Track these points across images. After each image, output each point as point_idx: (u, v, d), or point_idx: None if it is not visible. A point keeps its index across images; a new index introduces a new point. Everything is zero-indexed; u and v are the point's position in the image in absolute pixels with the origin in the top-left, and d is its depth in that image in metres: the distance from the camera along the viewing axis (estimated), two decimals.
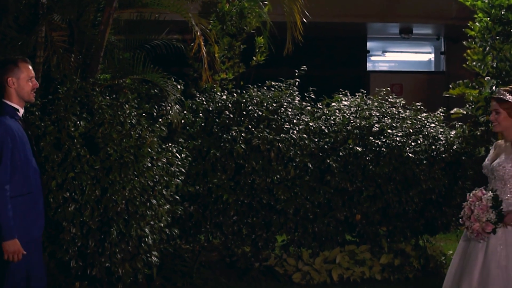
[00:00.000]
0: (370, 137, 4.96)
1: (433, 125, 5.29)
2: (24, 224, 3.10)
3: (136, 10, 4.75)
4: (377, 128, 5.02)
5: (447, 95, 5.45)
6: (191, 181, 4.64)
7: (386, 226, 5.03)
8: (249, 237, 4.83)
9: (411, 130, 5.10)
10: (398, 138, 4.96)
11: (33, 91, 3.19)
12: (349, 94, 5.47)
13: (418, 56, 10.15)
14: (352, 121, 5.04)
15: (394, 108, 5.37)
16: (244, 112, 4.88)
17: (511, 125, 3.23)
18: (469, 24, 5.33)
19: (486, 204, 3.13)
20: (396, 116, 5.26)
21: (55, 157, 3.76)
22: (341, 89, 5.53)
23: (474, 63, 5.26)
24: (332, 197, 4.85)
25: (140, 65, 4.34)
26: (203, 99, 4.96)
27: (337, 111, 5.20)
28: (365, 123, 5.02)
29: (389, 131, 5.03)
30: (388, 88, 5.66)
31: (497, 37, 5.23)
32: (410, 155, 4.90)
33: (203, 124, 4.80)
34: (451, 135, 5.24)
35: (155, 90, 4.51)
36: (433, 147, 5.07)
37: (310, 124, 4.96)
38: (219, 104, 4.92)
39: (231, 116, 4.82)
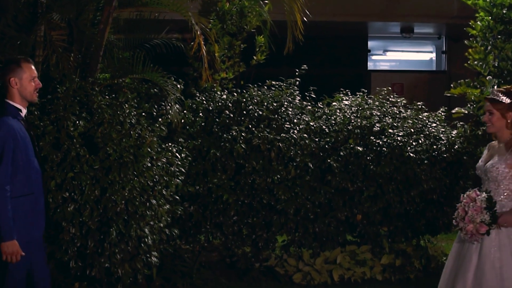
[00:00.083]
0: (371, 137, 4.94)
1: (434, 124, 5.28)
2: (25, 224, 3.09)
3: (135, 9, 4.74)
4: (378, 128, 5.00)
5: (448, 95, 5.43)
6: (191, 181, 4.63)
7: (387, 226, 5.02)
8: (249, 237, 4.82)
9: (412, 130, 5.09)
10: (399, 138, 4.94)
11: (36, 91, 3.19)
12: (350, 94, 5.45)
13: (419, 55, 10.13)
14: (353, 121, 5.03)
15: (395, 108, 5.36)
16: (245, 112, 4.87)
17: (504, 126, 3.22)
18: (470, 23, 5.31)
19: (480, 205, 3.12)
20: (397, 116, 5.25)
21: (54, 157, 3.75)
22: (341, 89, 5.51)
23: (475, 62, 5.24)
24: (333, 197, 4.84)
25: (139, 64, 4.32)
26: (203, 98, 4.95)
27: (338, 111, 5.18)
28: (366, 123, 5.01)
29: (390, 130, 5.01)
30: (389, 88, 5.65)
31: (499, 36, 5.20)
32: (411, 155, 4.89)
33: (203, 124, 4.78)
34: (453, 135, 5.23)
35: (155, 90, 4.49)
36: (434, 146, 5.05)
37: (311, 123, 4.94)
38: (219, 104, 4.90)
39: (231, 115, 4.81)
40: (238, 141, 4.66)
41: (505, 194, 3.17)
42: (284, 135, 4.76)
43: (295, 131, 4.82)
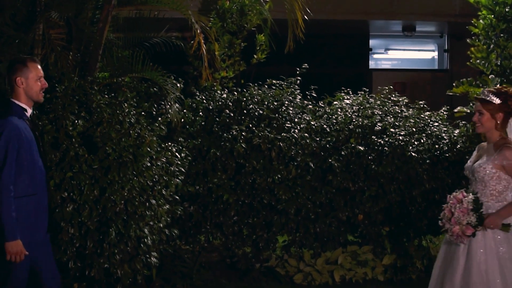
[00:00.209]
0: (373, 136, 4.92)
1: (436, 124, 5.25)
2: (28, 225, 3.08)
3: (135, 8, 4.73)
4: (380, 127, 4.98)
5: (450, 94, 5.40)
6: (191, 181, 4.62)
7: (389, 226, 5.00)
8: (249, 237, 4.80)
9: (414, 129, 5.07)
10: (401, 137, 4.92)
11: (41, 91, 3.18)
12: (351, 93, 5.43)
13: (421, 54, 10.09)
14: (354, 120, 5.01)
15: (396, 107, 5.34)
16: (245, 111, 4.85)
17: (493, 126, 3.20)
18: (473, 22, 5.28)
19: (466, 206, 3.10)
20: (399, 115, 5.23)
21: (53, 157, 3.73)
22: (343, 88, 5.50)
23: (478, 61, 5.21)
24: (334, 197, 4.82)
25: (139, 63, 4.31)
26: (203, 97, 4.94)
27: (339, 110, 5.16)
28: (367, 122, 4.98)
29: (391, 130, 4.99)
30: (391, 87, 5.62)
31: (501, 35, 5.18)
32: (413, 154, 4.86)
33: (203, 123, 4.77)
34: (455, 134, 5.19)
35: (155, 89, 4.48)
36: (437, 146, 5.03)
37: (312, 123, 4.92)
38: (219, 103, 4.88)
39: (232, 115, 4.79)
40: (238, 141, 4.64)
41: (492, 195, 3.15)
42: (284, 134, 4.74)
43: (296, 131, 4.80)
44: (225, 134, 4.69)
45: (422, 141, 4.99)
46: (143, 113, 4.17)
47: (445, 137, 5.12)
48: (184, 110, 4.68)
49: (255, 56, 5.50)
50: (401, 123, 5.10)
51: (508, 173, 3.15)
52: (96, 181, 3.77)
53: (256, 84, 5.14)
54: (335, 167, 4.75)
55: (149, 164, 3.95)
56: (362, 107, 5.21)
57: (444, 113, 5.46)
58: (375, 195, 4.85)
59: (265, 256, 4.90)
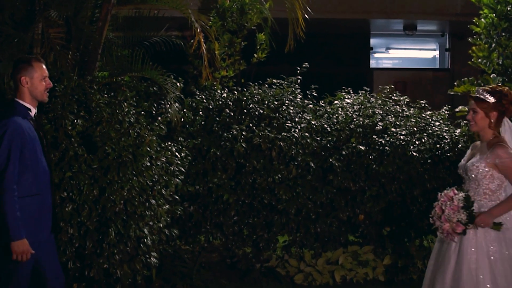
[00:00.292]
0: (374, 136, 4.90)
1: (437, 123, 5.23)
2: (31, 224, 3.07)
3: (134, 7, 4.72)
4: (381, 127, 4.96)
5: (452, 93, 5.37)
6: (191, 180, 4.61)
7: (390, 226, 4.98)
8: (250, 237, 4.79)
9: (415, 129, 5.05)
10: (402, 137, 4.91)
11: (46, 91, 3.18)
12: (352, 92, 5.42)
13: (422, 53, 10.07)
14: (355, 120, 4.99)
15: (398, 106, 5.33)
16: (245, 110, 4.84)
17: (487, 125, 3.20)
18: (474, 21, 5.26)
19: (457, 204, 3.10)
20: (400, 114, 5.21)
21: (52, 156, 3.70)
22: (343, 87, 5.49)
23: (479, 60, 5.19)
24: (334, 197, 4.80)
25: (138, 62, 4.30)
26: (203, 97, 4.92)
27: (340, 109, 5.15)
28: (368, 122, 4.97)
29: (392, 129, 4.97)
30: (392, 86, 5.60)
31: (503, 34, 5.15)
32: (414, 154, 4.85)
33: (203, 123, 4.76)
34: (456, 134, 5.17)
35: (154, 88, 4.46)
36: (438, 145, 5.01)
37: (312, 122, 4.91)
38: (220, 102, 4.87)
39: (232, 114, 4.77)
40: (238, 140, 4.62)
41: (485, 193, 3.14)
42: (285, 134, 4.72)
43: (297, 130, 4.78)
44: (225, 134, 4.68)
45: (423, 140, 4.97)
46: (142, 112, 4.16)
47: (446, 137, 5.10)
48: (184, 110, 4.67)
49: (255, 55, 5.49)
50: (402, 123, 5.08)
51: (501, 171, 3.15)
52: (95, 181, 3.75)
53: (256, 83, 5.14)
54: (335, 166, 4.73)
55: (148, 164, 3.93)
56: (363, 107, 5.19)
57: (446, 112, 5.44)
58: (376, 195, 4.83)
59: (266, 256, 4.89)
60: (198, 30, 4.43)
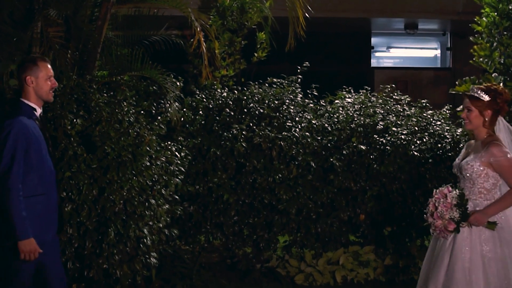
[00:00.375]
0: (374, 135, 4.88)
1: (439, 122, 5.22)
2: (36, 225, 3.06)
3: (134, 5, 4.71)
4: (382, 126, 4.95)
5: (453, 92, 5.35)
6: (191, 180, 4.60)
7: (391, 226, 4.97)
8: (250, 237, 4.78)
9: (416, 128, 5.03)
10: (403, 136, 4.89)
11: (51, 91, 3.17)
12: (352, 91, 5.41)
13: (423, 52, 10.05)
14: (356, 119, 4.97)
15: (399, 106, 5.32)
16: (245, 110, 4.82)
17: (482, 124, 3.20)
18: (476, 19, 5.23)
19: (450, 202, 3.10)
20: (401, 114, 5.20)
21: None
22: (344, 86, 5.48)
23: (481, 59, 5.17)
24: (335, 196, 4.79)
25: (138, 61, 4.29)
26: (203, 96, 4.91)
27: (341, 109, 5.13)
28: (369, 121, 4.95)
29: (393, 129, 4.96)
30: (393, 85, 5.59)
31: (505, 33, 5.13)
32: (415, 153, 4.83)
33: (203, 122, 4.75)
34: (457, 133, 5.15)
35: (154, 87, 4.45)
36: (439, 145, 4.99)
37: (313, 121, 4.89)
38: (220, 102, 4.86)
39: (232, 113, 4.76)
40: (238, 140, 4.61)
41: (480, 192, 3.14)
42: (285, 133, 4.70)
43: (297, 130, 4.77)
44: (225, 133, 4.66)
45: (424, 140, 4.96)
46: (142, 112, 4.15)
47: (447, 136, 5.08)
48: (184, 109, 4.66)
49: (255, 54, 5.48)
50: (403, 122, 5.07)
51: (496, 170, 3.14)
52: (95, 180, 3.74)
53: (256, 83, 5.13)
54: (336, 166, 4.71)
55: (148, 164, 3.92)
56: (363, 106, 5.18)
57: (447, 111, 5.43)
58: (377, 194, 4.82)
59: (266, 256, 4.88)
60: (198, 29, 4.42)
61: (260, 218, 4.74)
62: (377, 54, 9.99)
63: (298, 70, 5.22)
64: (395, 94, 5.45)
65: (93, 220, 3.72)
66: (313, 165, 4.71)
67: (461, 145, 5.06)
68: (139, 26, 4.88)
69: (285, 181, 4.67)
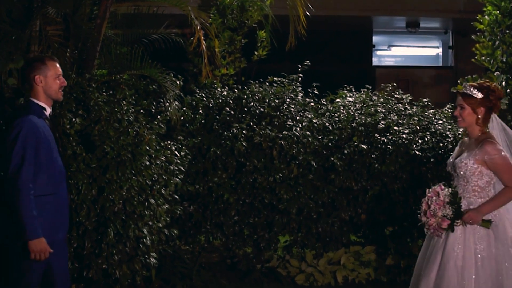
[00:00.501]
0: (376, 134, 4.86)
1: (440, 121, 5.20)
2: (46, 225, 3.04)
3: (133, 4, 4.70)
4: (383, 125, 4.93)
5: (455, 91, 5.31)
6: (191, 180, 4.59)
7: (392, 226, 4.95)
8: (250, 237, 4.76)
9: (418, 127, 5.02)
10: (404, 135, 4.88)
11: (61, 89, 3.17)
12: (354, 90, 5.40)
13: (425, 50, 10.03)
14: (357, 118, 4.96)
15: (400, 105, 5.30)
16: (246, 109, 4.81)
17: (475, 121, 3.18)
18: (478, 18, 5.20)
19: (443, 199, 3.08)
20: (403, 113, 5.19)
21: None
22: (345, 85, 5.46)
23: (483, 57, 5.14)
24: (336, 196, 4.77)
25: (137, 60, 4.28)
26: (203, 95, 4.90)
27: (342, 108, 5.12)
28: (370, 120, 4.94)
29: (395, 128, 4.94)
30: (394, 84, 5.56)
31: (507, 31, 5.10)
32: (417, 152, 4.81)
33: (203, 121, 4.73)
34: (459, 132, 5.12)
35: (154, 86, 4.44)
36: (441, 144, 4.97)
37: (314, 121, 4.88)
38: (220, 101, 4.84)
39: (232, 112, 4.74)
40: (239, 139, 4.59)
41: (474, 190, 3.12)
42: (286, 132, 4.69)
43: (298, 129, 4.75)
44: (225, 132, 4.65)
45: (426, 139, 4.94)
46: (142, 111, 4.14)
47: (449, 135, 5.06)
48: (184, 108, 4.64)
49: (256, 53, 5.47)
50: (404, 121, 5.05)
51: (490, 168, 3.12)
52: (94, 180, 3.72)
53: (257, 82, 5.12)
54: (337, 166, 4.70)
55: (148, 163, 3.91)
56: (365, 105, 5.16)
57: (449, 110, 5.41)
58: (378, 194, 4.80)
59: (266, 256, 4.87)
60: (198, 27, 4.41)
61: (260, 218, 4.73)
62: (378, 52, 9.97)
63: (299, 69, 5.20)
64: (397, 93, 5.43)
65: (92, 220, 3.70)
66: (314, 164, 4.69)
67: None
68: (138, 24, 4.86)
69: (285, 181, 4.66)
